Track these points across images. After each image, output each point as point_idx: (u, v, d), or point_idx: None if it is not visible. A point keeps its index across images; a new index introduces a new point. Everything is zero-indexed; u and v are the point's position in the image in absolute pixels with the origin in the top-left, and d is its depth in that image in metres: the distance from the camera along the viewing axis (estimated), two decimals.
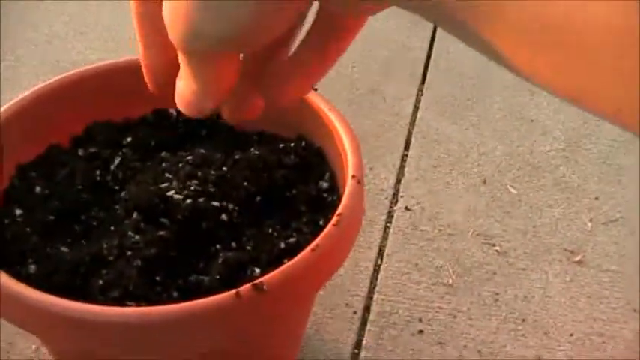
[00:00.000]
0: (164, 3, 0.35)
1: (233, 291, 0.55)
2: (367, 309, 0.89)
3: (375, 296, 0.91)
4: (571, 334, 0.89)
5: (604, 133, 1.16)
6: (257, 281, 0.56)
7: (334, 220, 0.61)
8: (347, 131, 0.69)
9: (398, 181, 1.05)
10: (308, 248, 0.59)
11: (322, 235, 0.60)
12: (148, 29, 0.41)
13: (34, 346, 0.81)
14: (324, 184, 0.70)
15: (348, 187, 0.64)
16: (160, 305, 0.55)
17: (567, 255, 0.98)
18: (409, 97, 1.19)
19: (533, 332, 0.89)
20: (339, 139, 0.70)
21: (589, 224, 1.02)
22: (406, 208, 1.01)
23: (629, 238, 1.00)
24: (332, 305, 0.89)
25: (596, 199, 1.05)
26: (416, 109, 1.17)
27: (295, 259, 0.58)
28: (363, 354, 0.85)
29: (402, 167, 1.07)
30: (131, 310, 0.56)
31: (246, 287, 0.56)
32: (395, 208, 1.01)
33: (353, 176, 0.65)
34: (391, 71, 1.25)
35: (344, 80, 1.22)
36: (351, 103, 1.17)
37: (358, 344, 0.86)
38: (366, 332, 0.87)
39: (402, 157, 1.08)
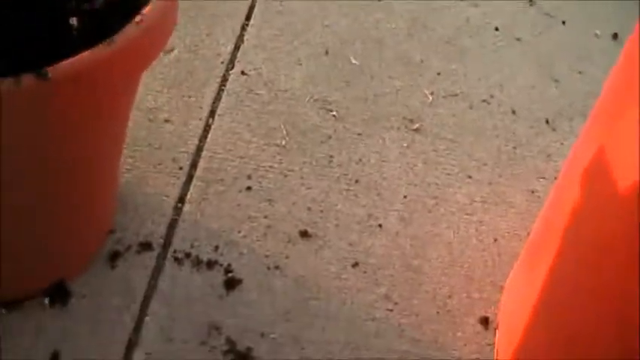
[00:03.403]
0: None
1: (11, 77, 0.50)
2: (194, 165, 0.85)
3: (203, 153, 0.86)
4: (405, 197, 0.87)
5: (450, 17, 1.14)
6: (42, 70, 0.50)
7: (137, 18, 0.56)
8: None
9: (236, 48, 1.00)
10: (104, 43, 0.54)
11: (120, 32, 0.55)
12: None
13: None
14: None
15: None
16: None
17: (406, 123, 0.96)
18: None
19: (365, 193, 0.87)
20: None
21: (430, 97, 1.00)
22: (242, 73, 0.96)
23: (467, 112, 0.99)
24: (157, 161, 0.84)
25: (438, 74, 1.04)
26: None
27: (88, 51, 0.53)
28: (187, 208, 0.81)
29: (241, 35, 1.02)
30: None
31: (28, 75, 0.50)
32: (231, 72, 0.96)
33: None
34: None
35: None
36: None
37: (182, 198, 0.82)
38: (192, 187, 0.83)
39: (243, 26, 1.03)
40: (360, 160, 0.90)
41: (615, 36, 1.15)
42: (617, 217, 0.56)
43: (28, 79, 0.50)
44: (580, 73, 1.10)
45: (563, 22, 1.18)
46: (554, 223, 0.72)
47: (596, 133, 0.65)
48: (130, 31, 0.55)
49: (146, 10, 0.57)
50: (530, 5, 1.21)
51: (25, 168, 0.59)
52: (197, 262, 0.76)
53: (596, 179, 0.62)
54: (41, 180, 0.61)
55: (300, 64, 1.00)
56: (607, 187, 0.58)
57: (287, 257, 0.78)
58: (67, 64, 0.51)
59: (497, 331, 0.78)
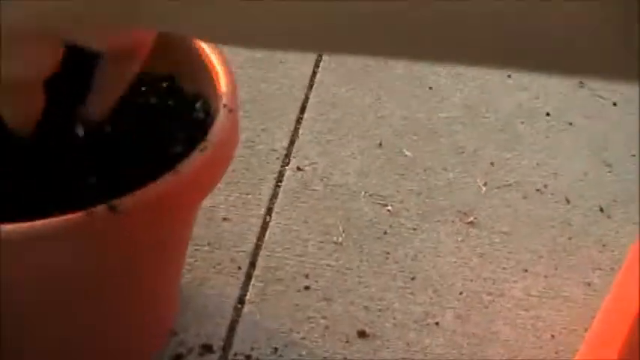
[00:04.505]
0: None
1: (84, 211, 0.52)
2: (252, 265, 0.87)
3: (262, 252, 0.88)
4: (460, 293, 0.88)
5: (502, 103, 1.16)
6: (112, 202, 0.53)
7: (200, 146, 0.58)
8: (221, 64, 0.66)
9: (291, 142, 1.02)
10: (170, 173, 0.56)
11: (186, 160, 0.57)
12: None
13: None
14: (200, 115, 0.66)
15: (219, 115, 0.61)
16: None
17: (460, 216, 0.96)
18: (308, 61, 1.16)
19: (422, 290, 0.87)
20: (217, 77, 0.67)
21: (483, 188, 1.01)
22: (298, 168, 0.99)
23: (522, 202, 1.00)
24: (217, 261, 0.86)
25: (492, 164, 1.05)
26: (314, 73, 1.14)
27: (155, 182, 0.55)
28: (246, 309, 0.82)
29: (296, 129, 1.04)
30: None
31: (99, 207, 0.52)
32: (287, 167, 0.99)
33: (224, 105, 0.62)
34: None
35: None
36: (249, 65, 1.14)
37: (241, 299, 0.83)
38: (251, 287, 0.84)
39: (297, 119, 1.06)
40: (416, 256, 0.91)
41: None
42: None
43: (100, 212, 0.52)
44: (633, 155, 1.10)
45: (614, 104, 1.19)
46: (617, 318, 0.72)
47: None
48: (194, 159, 0.57)
49: (210, 135, 0.59)
50: (580, 87, 1.21)
51: (89, 286, 0.61)
52: None
53: None
54: (106, 294, 0.63)
55: (355, 158, 1.01)
56: None
57: (345, 358, 0.79)
58: (134, 196, 0.54)
59: None
